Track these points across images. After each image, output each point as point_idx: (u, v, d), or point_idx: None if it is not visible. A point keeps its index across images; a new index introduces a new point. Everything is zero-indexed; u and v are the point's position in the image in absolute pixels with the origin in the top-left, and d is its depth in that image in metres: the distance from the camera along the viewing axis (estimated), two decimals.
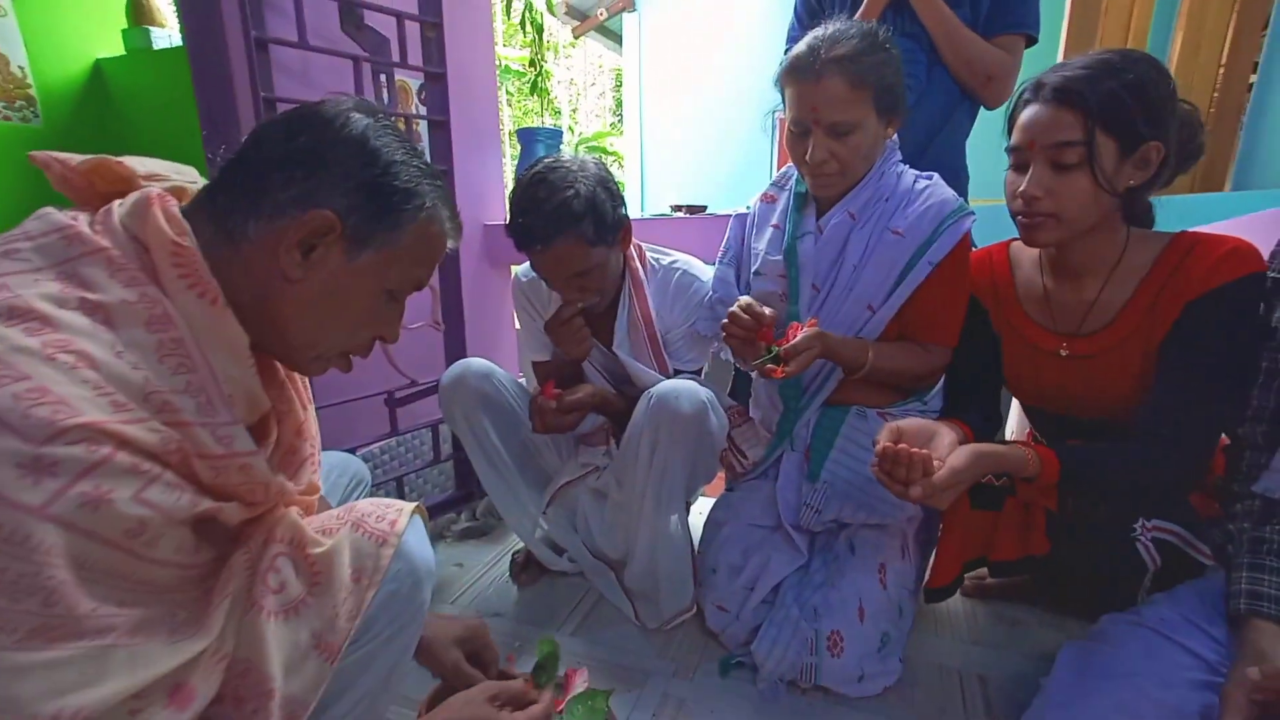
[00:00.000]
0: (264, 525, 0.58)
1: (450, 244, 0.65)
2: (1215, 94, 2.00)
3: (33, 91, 1.86)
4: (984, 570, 1.21)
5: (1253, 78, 1.99)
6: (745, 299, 1.01)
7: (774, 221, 1.15)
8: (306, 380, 0.71)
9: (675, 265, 1.23)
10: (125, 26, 1.98)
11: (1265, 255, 0.84)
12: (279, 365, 0.66)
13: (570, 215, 1.02)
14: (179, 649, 0.47)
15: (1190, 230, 0.89)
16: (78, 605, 0.40)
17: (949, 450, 0.84)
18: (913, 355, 1.06)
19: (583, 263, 1.06)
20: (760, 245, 1.16)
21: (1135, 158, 0.83)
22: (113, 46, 2.02)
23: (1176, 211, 0.97)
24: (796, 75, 0.98)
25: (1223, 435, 0.86)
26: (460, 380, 1.20)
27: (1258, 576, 0.72)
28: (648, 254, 1.25)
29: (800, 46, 0.99)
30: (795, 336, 0.96)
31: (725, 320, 1.01)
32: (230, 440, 0.51)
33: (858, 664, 0.95)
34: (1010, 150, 0.90)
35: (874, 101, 0.97)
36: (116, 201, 0.53)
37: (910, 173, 1.09)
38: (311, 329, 0.59)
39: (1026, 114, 0.87)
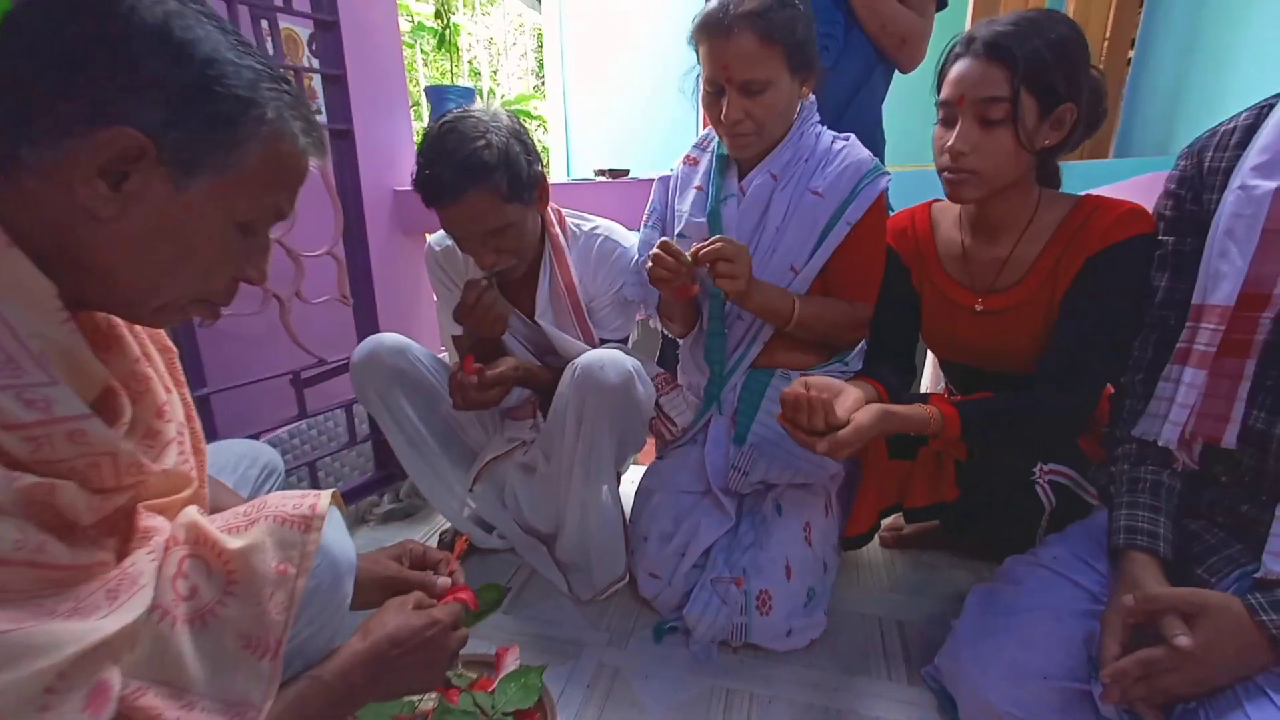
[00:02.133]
0: (156, 528, 0.51)
1: (313, 162, 0.54)
2: (1100, 66, 2.14)
3: None
4: (899, 520, 1.28)
5: (1130, 53, 2.14)
6: (664, 239, 0.99)
7: (696, 183, 1.14)
8: (174, 360, 0.63)
9: (597, 231, 1.19)
10: None
11: None
12: (130, 342, 0.57)
13: (482, 166, 0.96)
14: (83, 631, 0.40)
15: (1093, 193, 0.95)
16: None
17: (854, 407, 0.87)
18: (837, 308, 1.08)
19: (496, 219, 1.00)
20: (684, 207, 1.15)
21: (1052, 118, 0.86)
22: None
23: (1066, 177, 1.02)
24: (708, 31, 0.97)
25: (1109, 385, 0.94)
26: (372, 357, 1.13)
27: (1133, 513, 0.79)
28: (568, 220, 1.20)
29: (711, 3, 0.97)
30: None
31: (649, 264, 0.99)
32: (49, 404, 0.42)
33: (785, 620, 0.99)
34: (940, 105, 0.92)
35: (786, 58, 0.97)
36: None
37: (828, 134, 1.10)
38: (145, 276, 0.47)
39: (956, 68, 0.88)
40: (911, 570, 1.25)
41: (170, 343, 0.63)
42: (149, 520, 0.52)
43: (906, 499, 1.11)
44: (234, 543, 0.53)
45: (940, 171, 0.93)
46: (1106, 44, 2.14)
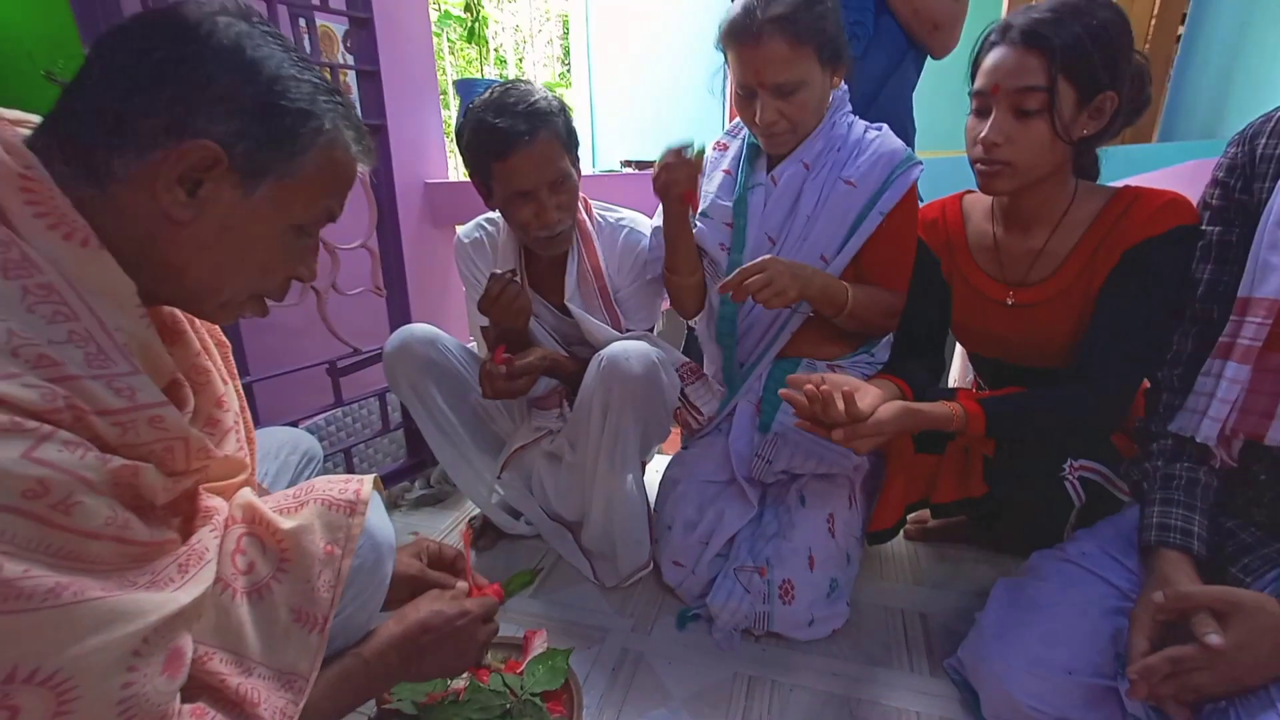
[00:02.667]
0: (216, 508, 0.55)
1: (361, 168, 0.58)
2: (1146, 45, 2.06)
3: None
4: (924, 513, 1.28)
5: (1180, 30, 2.04)
6: (666, 146, 0.98)
7: (725, 167, 1.14)
8: (229, 354, 0.67)
9: (622, 223, 1.21)
10: None
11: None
12: (193, 336, 0.61)
13: (547, 111, 1.02)
14: (162, 601, 0.44)
15: (1132, 185, 0.92)
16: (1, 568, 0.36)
17: (874, 404, 0.87)
18: (881, 295, 1.07)
19: (560, 166, 1.05)
20: (710, 188, 1.15)
21: (1091, 107, 0.83)
22: None
23: (1104, 162, 0.99)
24: (736, 38, 0.96)
25: (1145, 382, 0.91)
26: (404, 347, 1.16)
27: (1167, 510, 0.78)
28: (595, 209, 1.22)
29: (736, 8, 0.96)
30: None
31: (657, 172, 0.99)
32: (133, 392, 0.45)
33: (808, 610, 1.00)
34: (973, 95, 0.89)
35: (816, 56, 0.96)
36: None
37: (860, 123, 1.09)
38: (212, 274, 0.52)
39: (992, 57, 0.86)
40: (935, 563, 1.25)
41: (225, 338, 0.67)
42: (209, 501, 0.56)
43: (933, 494, 1.11)
44: (286, 523, 0.57)
45: (973, 163, 0.91)
46: (1154, 22, 2.05)
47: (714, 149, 1.19)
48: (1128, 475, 0.93)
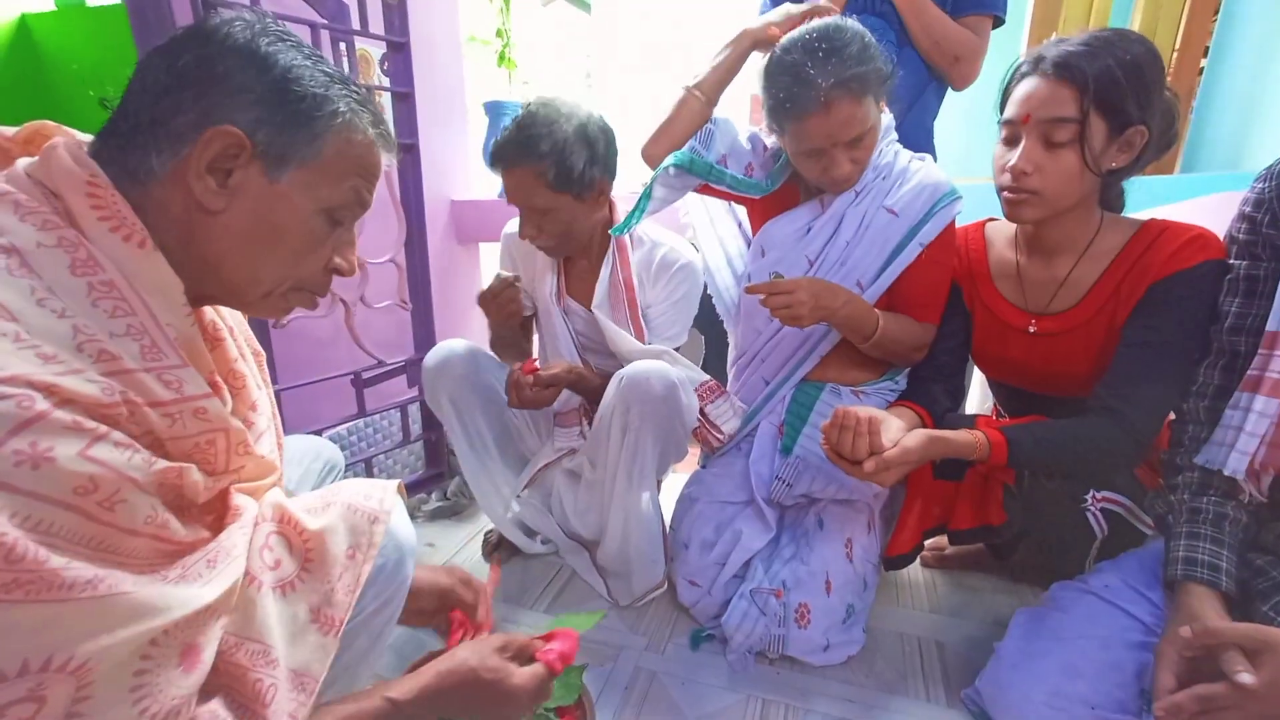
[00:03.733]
0: (245, 506, 0.57)
1: (384, 157, 0.59)
2: (1169, 77, 2.06)
3: None
4: (942, 540, 1.26)
5: (1203, 62, 2.05)
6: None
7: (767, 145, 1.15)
8: (263, 362, 0.69)
9: (660, 243, 1.23)
10: None
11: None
12: (231, 343, 0.63)
13: (533, 151, 1.05)
14: (188, 597, 0.45)
15: (1159, 218, 0.92)
16: (46, 560, 0.37)
17: (898, 436, 0.87)
18: (911, 327, 1.08)
19: (539, 199, 1.09)
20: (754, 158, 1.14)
21: (1121, 140, 0.84)
22: (42, 1, 1.88)
23: (1128, 195, 1.00)
24: (802, 110, 0.94)
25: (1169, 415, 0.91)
26: (446, 364, 1.19)
27: (1193, 544, 0.77)
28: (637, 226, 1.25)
29: (787, 81, 0.94)
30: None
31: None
32: (180, 384, 0.48)
33: (823, 634, 0.99)
34: (1003, 123, 0.90)
35: (875, 100, 0.97)
36: (21, 159, 0.49)
37: (905, 152, 1.10)
38: (248, 263, 0.54)
39: (1023, 87, 0.86)
40: (953, 592, 1.23)
41: (260, 347, 0.69)
42: (239, 500, 0.57)
43: (951, 520, 1.10)
44: (313, 523, 0.58)
45: (1000, 190, 0.91)
46: (1176, 55, 2.06)
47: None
48: (1152, 508, 0.92)
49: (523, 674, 0.65)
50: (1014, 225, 1.02)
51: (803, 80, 0.92)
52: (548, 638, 0.91)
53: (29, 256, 0.43)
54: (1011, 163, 0.87)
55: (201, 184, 0.50)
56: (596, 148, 1.10)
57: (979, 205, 1.08)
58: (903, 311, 1.08)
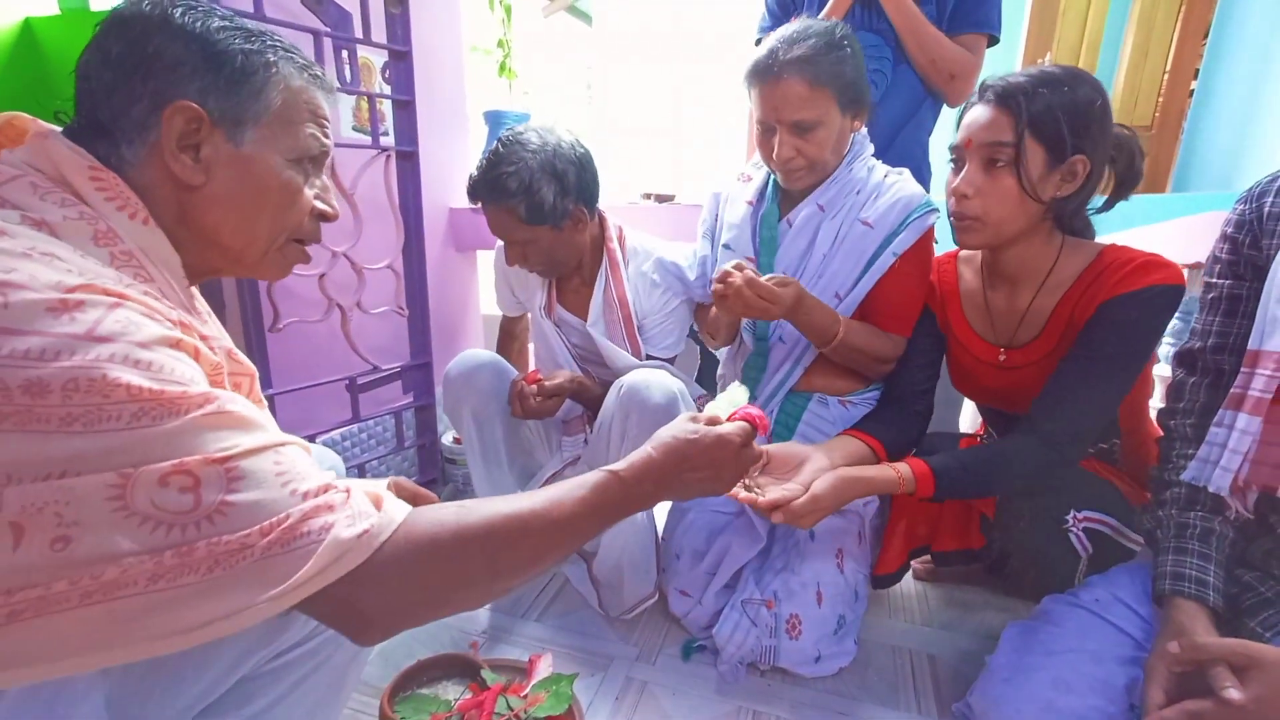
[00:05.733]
0: None
1: (323, 98, 0.61)
2: (1160, 98, 2.10)
3: None
4: None
5: (1194, 84, 2.08)
6: (737, 262, 1.01)
7: (749, 198, 1.17)
8: (255, 381, 0.69)
9: (653, 252, 1.24)
10: None
11: (1204, 256, 0.89)
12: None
13: (502, 190, 1.08)
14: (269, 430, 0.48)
15: (1117, 244, 0.94)
16: (183, 377, 0.42)
17: (813, 475, 0.89)
18: (877, 337, 1.09)
19: (516, 233, 1.11)
20: (732, 219, 1.18)
21: (1063, 169, 0.86)
22: (45, 4, 1.89)
23: (1119, 212, 1.01)
24: (758, 78, 1.01)
25: (1157, 428, 0.91)
26: (472, 376, 1.18)
27: (1180, 559, 0.77)
28: (629, 238, 1.26)
29: (760, 50, 1.02)
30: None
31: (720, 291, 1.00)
32: (208, 326, 0.53)
33: (815, 646, 0.99)
34: (952, 148, 0.93)
35: (835, 98, 1.00)
36: (4, 150, 0.50)
37: (882, 167, 1.12)
38: (243, 226, 0.57)
39: (969, 114, 0.91)
40: (945, 605, 1.23)
41: (252, 366, 0.68)
42: None
43: (934, 542, 1.10)
44: None
45: (949, 216, 0.94)
46: (1166, 76, 2.10)
47: (739, 179, 1.22)
48: (1140, 524, 0.93)
49: (727, 428, 0.67)
50: (979, 255, 1.04)
51: (770, 50, 1.00)
52: (531, 666, 0.92)
53: (57, 229, 0.45)
54: (954, 185, 0.90)
55: (178, 163, 0.53)
56: (566, 179, 1.10)
57: None
58: (874, 322, 1.09)
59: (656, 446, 0.65)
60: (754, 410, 0.71)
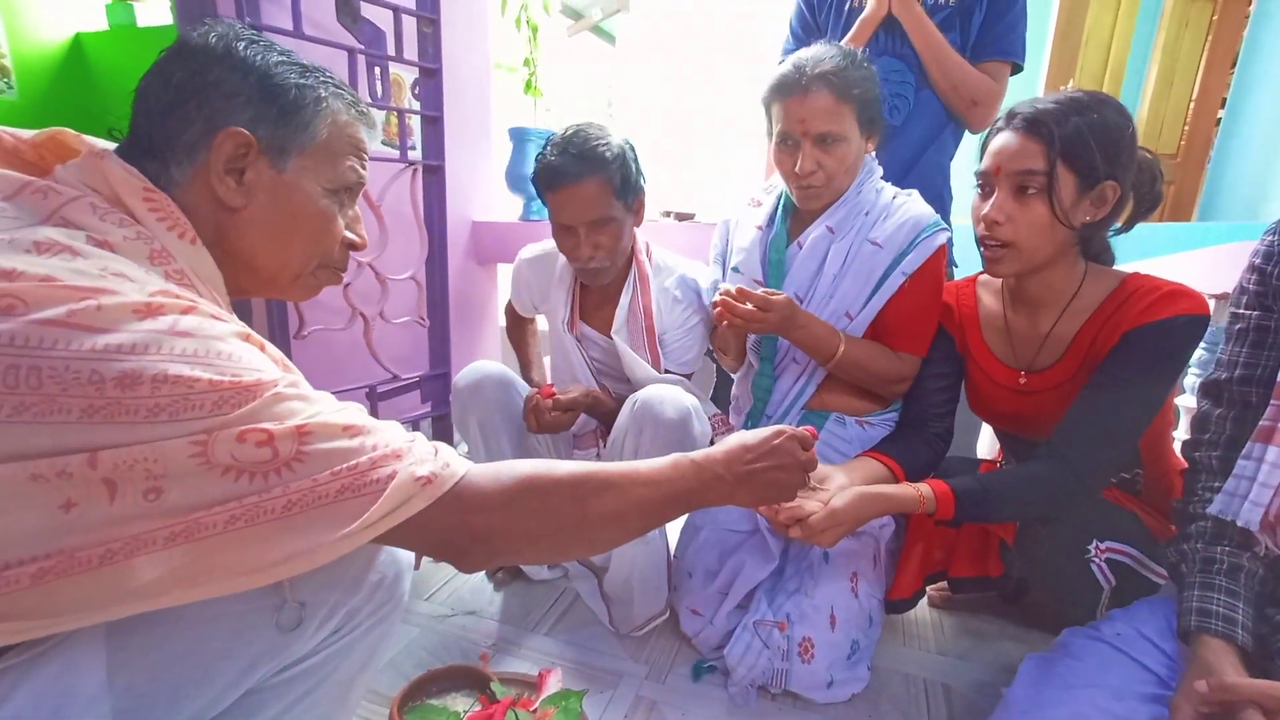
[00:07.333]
0: None
1: (364, 132, 0.65)
2: (1185, 127, 2.08)
3: (8, 62, 1.81)
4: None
5: (1221, 113, 2.07)
6: (740, 287, 1.04)
7: (758, 223, 1.19)
8: None
9: (677, 270, 1.25)
10: (109, 1, 1.94)
11: (1229, 286, 0.88)
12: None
13: (599, 160, 1.08)
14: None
15: (1142, 272, 0.93)
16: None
17: (832, 494, 0.88)
18: (884, 356, 1.08)
19: (603, 209, 1.10)
20: (742, 244, 1.19)
21: (1093, 195, 0.86)
22: (95, 20, 1.97)
23: (1143, 240, 1.01)
24: (784, 92, 1.03)
25: (1182, 460, 0.90)
26: (479, 387, 1.19)
27: (1207, 595, 0.76)
28: (655, 254, 1.27)
29: (785, 67, 1.04)
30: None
31: (718, 309, 1.04)
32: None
33: (827, 670, 0.98)
34: (978, 175, 0.93)
35: (857, 115, 1.02)
36: (59, 166, 0.52)
37: (890, 189, 1.13)
38: (274, 250, 0.60)
39: (996, 140, 0.90)
40: (961, 635, 1.21)
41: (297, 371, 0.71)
42: None
43: (951, 567, 1.09)
44: None
45: (978, 242, 0.93)
46: (1193, 105, 2.09)
47: (749, 204, 1.24)
48: (1165, 557, 0.91)
49: (787, 427, 0.72)
50: (1000, 280, 1.03)
51: (796, 66, 1.02)
52: (540, 680, 0.93)
53: (117, 248, 0.48)
54: (985, 212, 0.90)
55: (223, 185, 0.56)
56: (635, 157, 1.15)
57: None
58: (886, 342, 1.09)
59: (721, 443, 0.70)
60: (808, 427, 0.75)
